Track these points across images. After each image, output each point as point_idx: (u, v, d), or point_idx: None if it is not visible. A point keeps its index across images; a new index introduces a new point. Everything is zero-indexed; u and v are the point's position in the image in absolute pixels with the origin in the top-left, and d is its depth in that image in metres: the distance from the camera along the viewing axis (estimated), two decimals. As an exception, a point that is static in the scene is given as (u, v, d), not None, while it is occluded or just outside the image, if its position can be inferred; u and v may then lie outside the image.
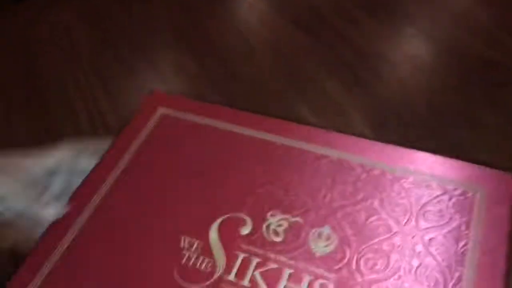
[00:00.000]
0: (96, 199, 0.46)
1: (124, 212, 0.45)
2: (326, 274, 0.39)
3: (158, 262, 0.41)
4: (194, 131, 0.51)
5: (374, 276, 0.38)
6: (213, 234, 0.42)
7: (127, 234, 0.43)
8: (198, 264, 0.41)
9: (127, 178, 0.47)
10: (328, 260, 0.40)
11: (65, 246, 0.43)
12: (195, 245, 0.42)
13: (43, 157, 0.46)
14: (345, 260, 0.40)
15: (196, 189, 0.46)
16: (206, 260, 0.41)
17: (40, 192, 0.45)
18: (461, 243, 0.39)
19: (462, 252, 0.39)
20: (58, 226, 0.44)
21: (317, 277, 0.39)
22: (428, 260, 0.39)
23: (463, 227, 0.40)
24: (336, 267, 0.39)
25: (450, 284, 0.37)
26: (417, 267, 0.39)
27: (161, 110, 0.53)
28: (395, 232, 0.41)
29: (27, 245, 0.41)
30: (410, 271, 0.38)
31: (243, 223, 0.43)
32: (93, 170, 0.48)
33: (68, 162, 0.47)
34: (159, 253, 0.42)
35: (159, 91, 0.55)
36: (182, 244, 0.42)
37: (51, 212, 0.43)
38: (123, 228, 0.44)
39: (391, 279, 0.38)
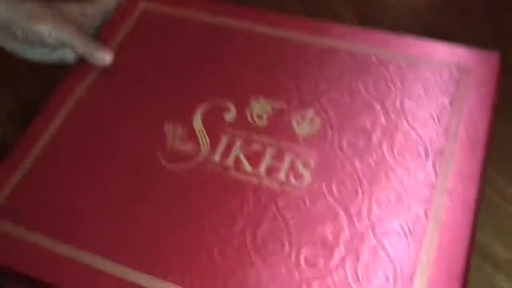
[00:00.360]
0: (82, 89, 0.46)
1: (109, 97, 0.45)
2: (308, 152, 0.39)
3: (142, 145, 0.42)
4: (178, 23, 0.49)
5: (356, 152, 0.39)
6: (197, 120, 0.43)
7: (112, 119, 0.44)
8: (183, 147, 0.41)
9: (112, 68, 0.47)
10: (311, 140, 0.40)
11: (54, 131, 0.44)
12: (179, 130, 0.42)
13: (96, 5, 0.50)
14: (327, 140, 0.40)
15: (181, 77, 0.45)
16: (190, 143, 0.41)
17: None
18: (445, 119, 0.39)
19: (445, 128, 0.39)
20: (48, 110, 0.45)
21: (299, 155, 0.39)
22: (411, 135, 0.39)
23: (447, 105, 0.40)
24: (318, 146, 0.40)
25: (431, 157, 0.38)
26: (400, 143, 0.39)
27: (144, 4, 0.51)
28: (379, 111, 0.41)
29: None
30: (392, 147, 0.39)
31: (226, 109, 0.43)
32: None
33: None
34: (142, 137, 0.42)
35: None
36: (166, 129, 0.42)
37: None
38: (108, 114, 0.44)
39: (373, 155, 0.38)
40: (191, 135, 0.42)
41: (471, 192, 0.35)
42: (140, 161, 0.41)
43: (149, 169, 0.40)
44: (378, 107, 0.41)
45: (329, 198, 0.37)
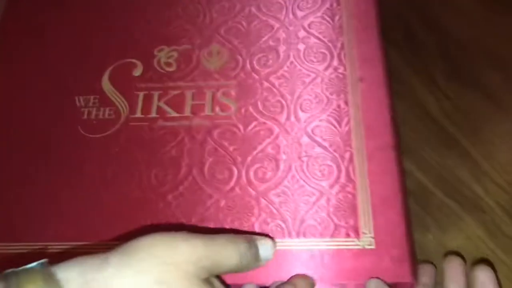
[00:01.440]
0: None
1: (6, 86, 0.42)
2: (225, 83, 0.40)
3: (58, 125, 0.40)
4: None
5: (268, 69, 0.41)
6: (106, 85, 0.41)
7: (17, 106, 0.41)
8: (101, 114, 0.40)
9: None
10: (224, 71, 0.41)
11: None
12: (91, 100, 0.41)
13: None
14: (240, 65, 0.41)
15: (75, 48, 0.43)
16: (108, 109, 0.40)
17: None
18: (336, 17, 0.42)
19: (339, 26, 0.42)
20: None
21: (218, 88, 0.40)
22: (312, 41, 0.41)
23: (334, 5, 0.43)
24: (233, 74, 0.41)
25: (336, 53, 0.40)
26: (304, 50, 0.41)
27: (5, -13, 0.47)
28: (278, 28, 0.42)
29: None
30: (299, 55, 0.41)
31: (133, 66, 0.42)
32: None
33: None
34: (55, 117, 0.40)
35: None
36: (77, 103, 0.41)
37: None
38: (10, 102, 0.41)
39: (284, 67, 0.40)
40: (105, 100, 0.41)
41: (379, 72, 0.39)
42: (61, 139, 0.39)
43: (73, 144, 0.39)
44: (275, 23, 0.43)
45: (259, 117, 0.38)
